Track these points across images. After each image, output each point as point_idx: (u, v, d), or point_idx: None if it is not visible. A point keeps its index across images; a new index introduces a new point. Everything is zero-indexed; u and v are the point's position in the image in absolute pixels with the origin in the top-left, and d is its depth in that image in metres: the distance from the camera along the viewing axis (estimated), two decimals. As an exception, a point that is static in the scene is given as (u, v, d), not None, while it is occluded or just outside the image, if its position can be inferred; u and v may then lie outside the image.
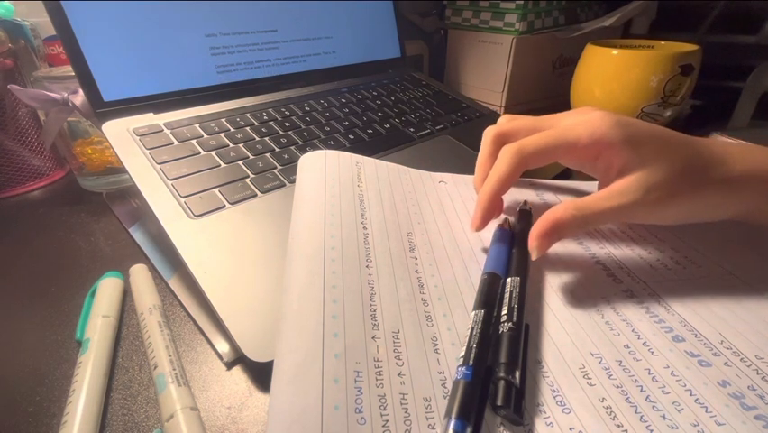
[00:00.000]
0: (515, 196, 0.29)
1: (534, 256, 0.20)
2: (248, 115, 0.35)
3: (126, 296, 0.25)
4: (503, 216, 0.26)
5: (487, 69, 0.55)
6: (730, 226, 0.25)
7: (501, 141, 0.25)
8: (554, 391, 0.16)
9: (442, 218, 0.26)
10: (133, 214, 0.33)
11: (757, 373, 0.17)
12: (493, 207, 0.23)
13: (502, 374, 0.16)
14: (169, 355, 0.20)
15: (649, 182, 0.20)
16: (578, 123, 0.22)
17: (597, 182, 0.31)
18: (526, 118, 0.25)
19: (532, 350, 0.18)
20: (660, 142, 0.21)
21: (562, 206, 0.20)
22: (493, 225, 0.25)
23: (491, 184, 0.23)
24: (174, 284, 0.25)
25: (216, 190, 0.27)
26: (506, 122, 0.25)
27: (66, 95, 0.33)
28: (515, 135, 0.24)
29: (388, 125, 0.38)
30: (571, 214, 0.20)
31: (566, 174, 0.37)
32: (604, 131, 0.21)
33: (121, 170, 0.37)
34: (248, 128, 0.33)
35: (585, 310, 0.20)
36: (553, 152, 0.22)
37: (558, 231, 0.20)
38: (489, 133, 0.25)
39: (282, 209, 0.26)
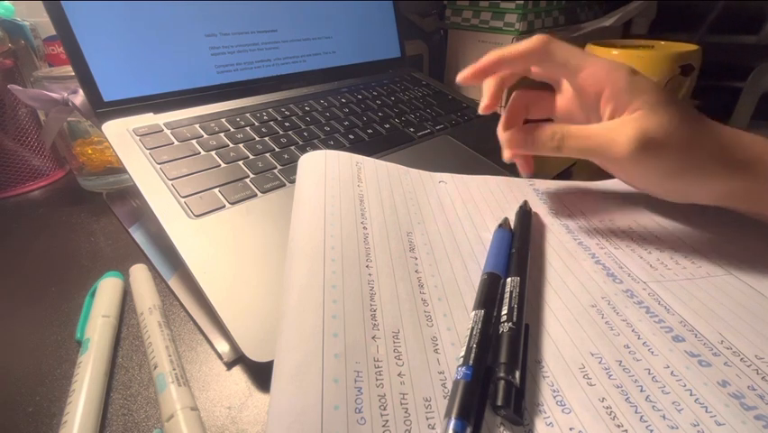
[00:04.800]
0: (515, 196, 0.29)
1: (505, 155, 0.21)
2: (248, 115, 0.35)
3: (126, 296, 0.25)
4: (503, 215, 0.26)
5: (487, 69, 0.55)
6: (730, 226, 0.25)
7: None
8: (554, 391, 0.16)
9: (442, 218, 0.26)
10: (133, 214, 0.33)
11: (757, 373, 0.17)
12: (488, 67, 0.24)
13: (502, 374, 0.16)
14: (169, 355, 0.20)
15: (645, 125, 0.20)
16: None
17: (597, 182, 0.31)
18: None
19: (532, 350, 0.18)
20: (664, 94, 0.21)
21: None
22: (493, 226, 0.25)
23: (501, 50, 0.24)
24: (174, 284, 0.25)
25: (216, 190, 0.27)
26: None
27: (66, 95, 0.33)
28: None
29: (388, 125, 0.38)
30: (550, 127, 0.21)
31: (566, 174, 0.37)
32: (623, 70, 0.22)
33: (121, 170, 0.37)
34: (248, 128, 0.33)
35: (585, 310, 0.20)
36: (579, 59, 0.23)
37: (533, 136, 0.21)
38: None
39: (282, 209, 0.26)
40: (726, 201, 0.23)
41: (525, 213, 0.25)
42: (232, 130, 0.33)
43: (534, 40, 0.23)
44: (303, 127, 0.35)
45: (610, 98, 0.22)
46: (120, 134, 0.29)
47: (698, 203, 0.23)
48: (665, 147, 0.20)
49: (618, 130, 0.21)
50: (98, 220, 0.33)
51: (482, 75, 0.24)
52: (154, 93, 0.33)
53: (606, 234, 0.25)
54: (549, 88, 0.28)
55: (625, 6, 0.52)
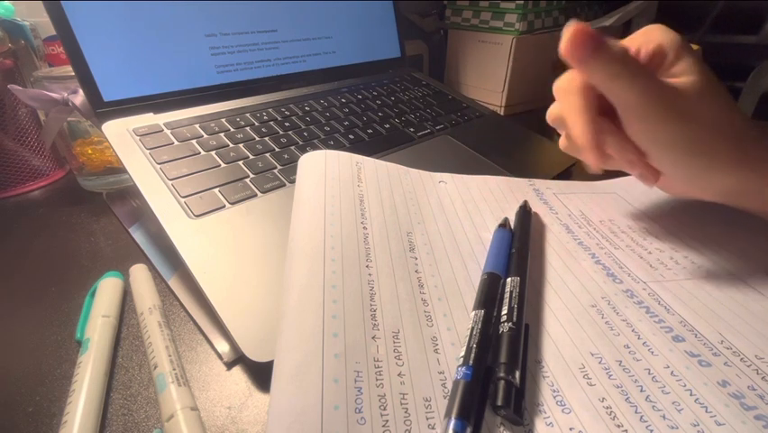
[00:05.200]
0: (515, 196, 0.29)
1: (564, 46, 0.17)
2: (248, 115, 0.35)
3: (126, 296, 0.25)
4: (503, 215, 0.26)
5: (487, 69, 0.55)
6: (730, 226, 0.25)
7: None
8: (554, 391, 0.16)
9: (442, 218, 0.26)
10: (133, 214, 0.33)
11: (757, 373, 0.17)
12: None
13: (502, 374, 0.16)
14: (169, 355, 0.20)
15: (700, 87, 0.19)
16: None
17: (597, 182, 0.31)
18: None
19: (532, 350, 0.18)
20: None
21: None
22: (493, 226, 0.25)
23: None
24: (174, 284, 0.25)
25: (216, 190, 0.27)
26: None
27: (66, 95, 0.33)
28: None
29: (388, 125, 0.38)
30: (613, 47, 0.18)
31: (566, 174, 0.37)
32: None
33: (121, 170, 0.37)
34: (248, 128, 0.33)
35: (585, 310, 0.20)
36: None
37: (598, 44, 0.17)
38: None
39: (282, 209, 0.26)
40: (734, 198, 0.22)
41: (525, 213, 0.25)
42: (232, 130, 0.33)
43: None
44: (303, 127, 0.35)
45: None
46: (120, 134, 0.29)
47: (706, 198, 0.22)
48: (699, 118, 0.19)
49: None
50: (98, 220, 0.33)
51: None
52: (154, 93, 0.33)
53: (606, 234, 0.25)
54: None
55: (625, 6, 0.52)
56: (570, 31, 0.17)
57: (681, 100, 0.19)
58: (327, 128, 0.36)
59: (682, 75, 0.20)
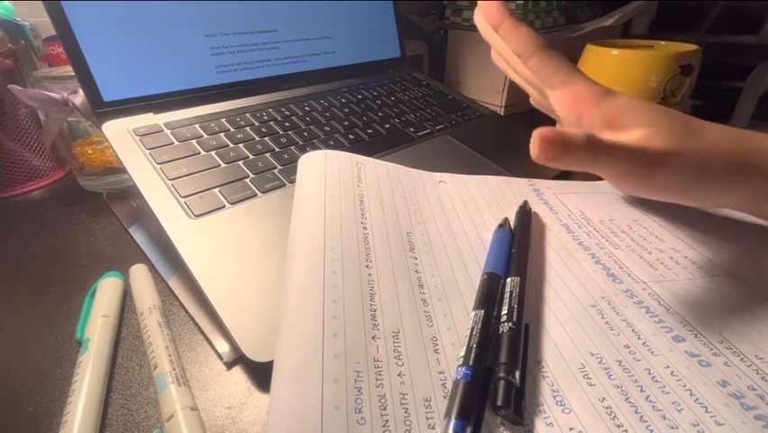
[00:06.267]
0: (515, 196, 0.29)
1: (533, 152, 0.18)
2: (248, 115, 0.35)
3: (126, 296, 0.25)
4: (503, 215, 0.26)
5: (487, 69, 0.55)
6: (730, 227, 0.25)
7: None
8: (554, 391, 0.16)
9: (442, 218, 0.26)
10: (133, 214, 0.33)
11: (757, 373, 0.17)
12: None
13: (502, 374, 0.16)
14: (169, 355, 0.20)
15: (651, 137, 0.19)
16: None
17: (597, 182, 0.31)
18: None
19: (532, 350, 0.18)
20: (659, 109, 0.21)
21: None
22: (493, 226, 0.25)
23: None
24: (174, 284, 0.25)
25: (216, 190, 0.27)
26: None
27: (66, 95, 0.33)
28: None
29: (388, 125, 0.38)
30: (582, 132, 0.18)
31: (566, 174, 0.37)
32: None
33: (121, 170, 0.37)
34: (248, 128, 0.33)
35: (585, 310, 0.20)
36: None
37: (565, 139, 0.18)
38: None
39: (282, 209, 0.26)
40: (753, 205, 0.22)
41: (525, 213, 0.25)
42: (232, 130, 0.33)
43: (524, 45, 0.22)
44: (303, 127, 0.35)
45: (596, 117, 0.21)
46: (120, 134, 0.29)
47: (729, 208, 0.22)
48: (681, 156, 0.19)
49: (639, 139, 0.20)
50: (98, 220, 0.33)
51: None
52: (154, 93, 0.33)
53: (606, 234, 0.25)
54: None
55: (625, 6, 0.52)
56: (534, 138, 0.18)
57: (651, 155, 0.19)
58: (327, 128, 0.36)
59: (638, 128, 0.20)
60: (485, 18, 0.23)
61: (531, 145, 0.17)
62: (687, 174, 0.20)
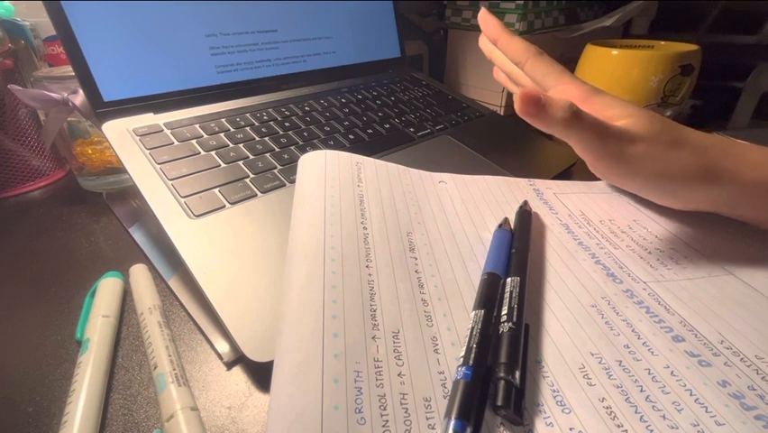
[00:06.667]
0: (515, 196, 0.29)
1: (516, 106, 0.20)
2: (248, 115, 0.35)
3: (126, 296, 0.25)
4: (503, 215, 0.26)
5: (487, 69, 0.55)
6: (729, 227, 0.25)
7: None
8: (554, 391, 0.16)
9: (442, 218, 0.26)
10: (133, 214, 0.33)
11: (757, 373, 0.17)
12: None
13: (502, 374, 0.16)
14: (169, 355, 0.20)
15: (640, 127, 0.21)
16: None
17: (597, 182, 0.31)
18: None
19: (532, 350, 0.18)
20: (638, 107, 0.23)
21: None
22: (493, 226, 0.25)
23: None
24: (174, 284, 0.25)
25: (216, 190, 0.27)
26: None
27: (66, 95, 0.33)
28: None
29: (388, 125, 0.38)
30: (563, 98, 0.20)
31: (566, 174, 0.37)
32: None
33: (121, 170, 0.37)
34: (248, 128, 0.33)
35: (585, 310, 0.20)
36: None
37: (546, 101, 0.20)
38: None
39: (282, 209, 0.26)
40: (715, 207, 0.23)
41: (525, 213, 0.25)
42: (232, 130, 0.33)
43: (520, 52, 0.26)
44: (303, 127, 0.35)
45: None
46: (120, 134, 0.29)
47: (694, 209, 0.24)
48: (656, 142, 0.21)
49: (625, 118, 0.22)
50: (98, 220, 0.33)
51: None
52: (154, 93, 0.33)
53: (606, 234, 0.25)
54: None
55: (625, 6, 0.52)
56: (517, 96, 0.20)
57: (628, 137, 0.21)
58: (327, 128, 0.36)
59: (621, 119, 0.22)
60: (485, 32, 0.28)
61: (515, 103, 0.20)
62: (659, 159, 0.21)
